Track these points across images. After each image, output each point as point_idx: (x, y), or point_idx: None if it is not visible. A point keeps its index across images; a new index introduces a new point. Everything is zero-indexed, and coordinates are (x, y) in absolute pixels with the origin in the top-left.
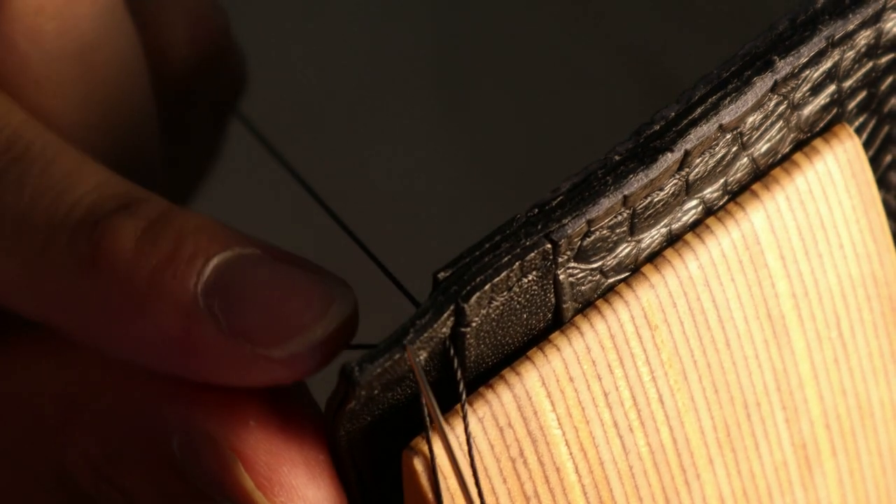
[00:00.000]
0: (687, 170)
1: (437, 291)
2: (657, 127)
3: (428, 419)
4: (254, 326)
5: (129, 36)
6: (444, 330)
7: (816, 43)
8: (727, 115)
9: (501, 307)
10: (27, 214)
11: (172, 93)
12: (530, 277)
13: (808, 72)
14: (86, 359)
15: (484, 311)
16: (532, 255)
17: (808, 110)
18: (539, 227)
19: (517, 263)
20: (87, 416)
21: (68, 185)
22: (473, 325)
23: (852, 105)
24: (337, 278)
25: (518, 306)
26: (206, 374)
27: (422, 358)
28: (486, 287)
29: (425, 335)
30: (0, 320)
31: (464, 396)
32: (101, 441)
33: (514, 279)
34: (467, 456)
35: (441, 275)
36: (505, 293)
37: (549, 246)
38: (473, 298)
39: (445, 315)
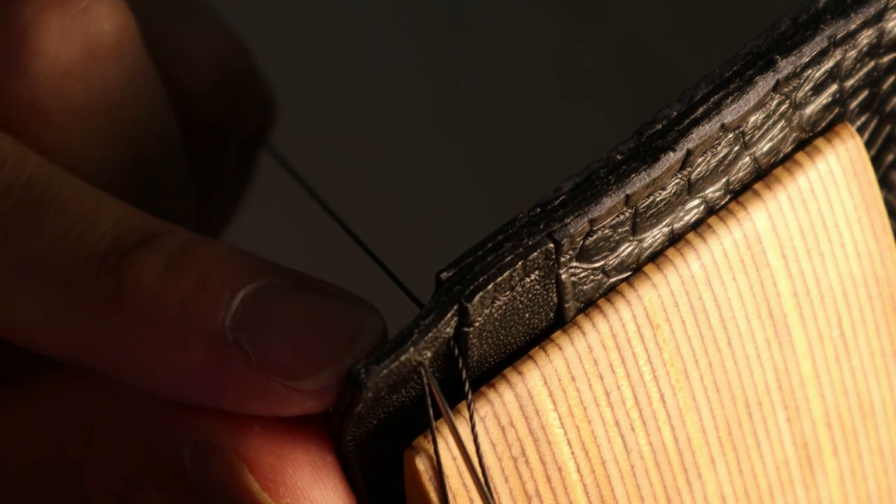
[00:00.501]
0: (689, 169)
1: (440, 292)
2: (659, 126)
3: (432, 419)
4: (283, 360)
5: (155, 87)
6: (447, 330)
7: (818, 42)
8: (729, 114)
9: (504, 307)
10: (50, 257)
11: (200, 134)
12: (533, 277)
13: (809, 71)
14: (98, 387)
15: (487, 311)
16: (534, 254)
17: (810, 109)
18: (541, 226)
19: (520, 263)
20: (104, 443)
21: (88, 225)
22: (476, 324)
23: (854, 104)
24: (364, 303)
25: (520, 306)
26: (235, 406)
27: (426, 358)
28: (489, 287)
29: (429, 335)
30: (19, 363)
31: (469, 396)
32: (120, 467)
33: (517, 279)
34: (474, 455)
35: (444, 275)
36: (508, 293)
37: (551, 245)
38: (476, 298)
39: (449, 315)
